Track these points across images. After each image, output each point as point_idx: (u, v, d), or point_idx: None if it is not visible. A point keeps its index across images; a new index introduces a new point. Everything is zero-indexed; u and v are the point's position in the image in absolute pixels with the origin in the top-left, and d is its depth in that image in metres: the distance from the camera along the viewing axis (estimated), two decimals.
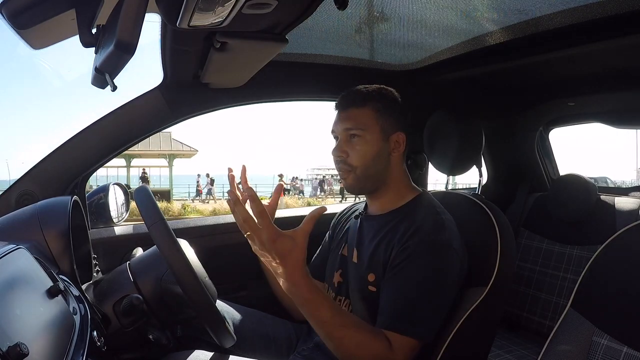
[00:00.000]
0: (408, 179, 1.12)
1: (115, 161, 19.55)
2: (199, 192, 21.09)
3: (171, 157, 20.35)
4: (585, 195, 1.69)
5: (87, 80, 0.92)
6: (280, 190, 1.22)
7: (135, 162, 20.52)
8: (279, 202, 1.18)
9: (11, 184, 1.26)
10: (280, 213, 1.73)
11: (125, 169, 20.63)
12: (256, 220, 0.81)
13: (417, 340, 0.91)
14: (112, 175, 21.02)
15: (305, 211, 1.77)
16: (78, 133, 1.27)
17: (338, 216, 1.30)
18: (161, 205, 13.45)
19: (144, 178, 19.43)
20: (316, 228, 1.24)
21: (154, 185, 21.45)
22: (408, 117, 1.10)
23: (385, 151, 1.06)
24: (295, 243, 0.82)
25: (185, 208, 15.58)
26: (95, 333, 0.72)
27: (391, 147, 1.06)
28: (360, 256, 1.08)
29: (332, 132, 1.10)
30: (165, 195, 17.64)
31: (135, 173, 20.95)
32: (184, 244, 0.95)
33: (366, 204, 1.18)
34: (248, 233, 0.83)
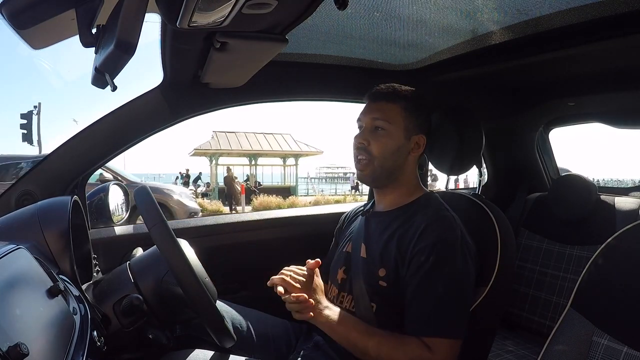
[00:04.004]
0: (417, 179, 1.16)
1: (239, 160, 20.49)
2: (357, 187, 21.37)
3: (297, 156, 20.86)
4: (585, 195, 1.69)
5: (87, 80, 0.92)
6: (316, 266, 1.04)
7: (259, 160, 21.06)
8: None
9: None
10: (280, 213, 1.73)
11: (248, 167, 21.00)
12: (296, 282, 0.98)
13: (457, 340, 0.93)
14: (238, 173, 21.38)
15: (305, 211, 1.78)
16: (78, 133, 1.27)
17: (342, 219, 1.31)
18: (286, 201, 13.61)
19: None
20: (329, 226, 1.29)
21: (277, 182, 22.06)
22: (431, 122, 1.16)
23: (405, 149, 1.09)
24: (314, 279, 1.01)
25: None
26: (95, 333, 0.72)
27: (411, 147, 1.10)
28: (369, 251, 1.09)
29: (359, 120, 1.13)
30: (285, 191, 17.70)
31: (259, 171, 21.80)
32: (184, 244, 0.95)
33: (373, 202, 1.19)
34: (287, 296, 0.95)
